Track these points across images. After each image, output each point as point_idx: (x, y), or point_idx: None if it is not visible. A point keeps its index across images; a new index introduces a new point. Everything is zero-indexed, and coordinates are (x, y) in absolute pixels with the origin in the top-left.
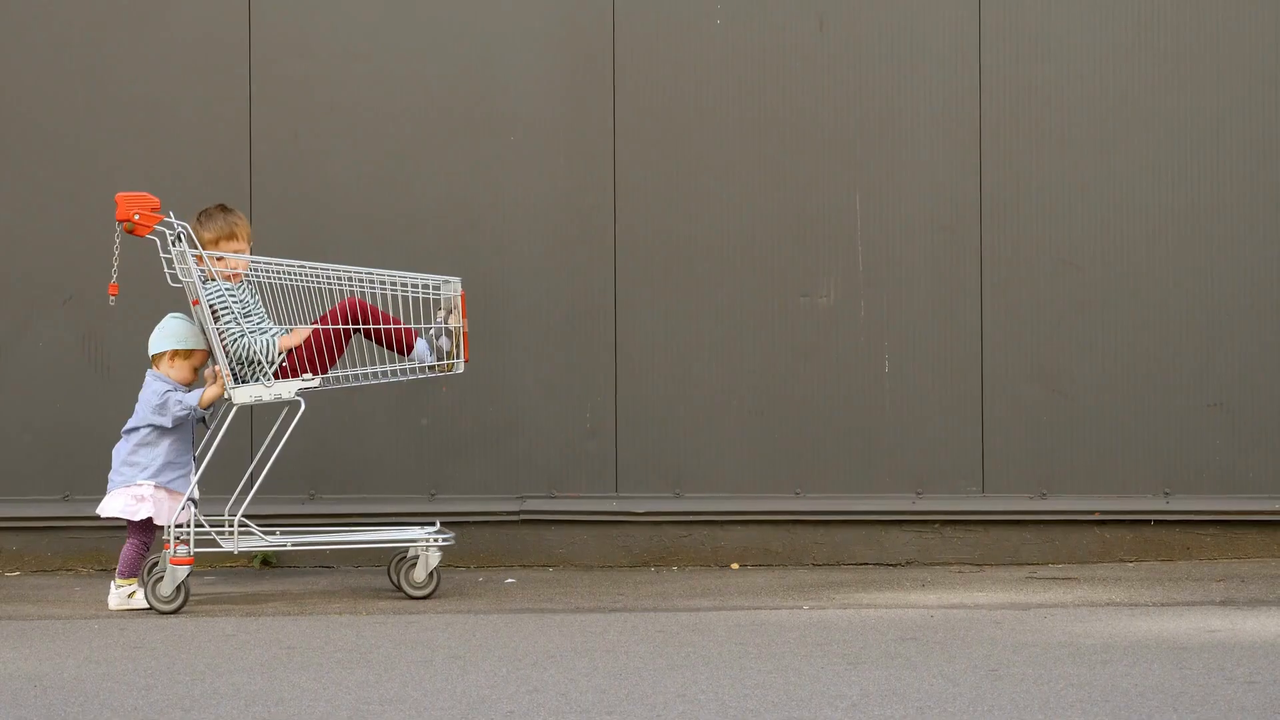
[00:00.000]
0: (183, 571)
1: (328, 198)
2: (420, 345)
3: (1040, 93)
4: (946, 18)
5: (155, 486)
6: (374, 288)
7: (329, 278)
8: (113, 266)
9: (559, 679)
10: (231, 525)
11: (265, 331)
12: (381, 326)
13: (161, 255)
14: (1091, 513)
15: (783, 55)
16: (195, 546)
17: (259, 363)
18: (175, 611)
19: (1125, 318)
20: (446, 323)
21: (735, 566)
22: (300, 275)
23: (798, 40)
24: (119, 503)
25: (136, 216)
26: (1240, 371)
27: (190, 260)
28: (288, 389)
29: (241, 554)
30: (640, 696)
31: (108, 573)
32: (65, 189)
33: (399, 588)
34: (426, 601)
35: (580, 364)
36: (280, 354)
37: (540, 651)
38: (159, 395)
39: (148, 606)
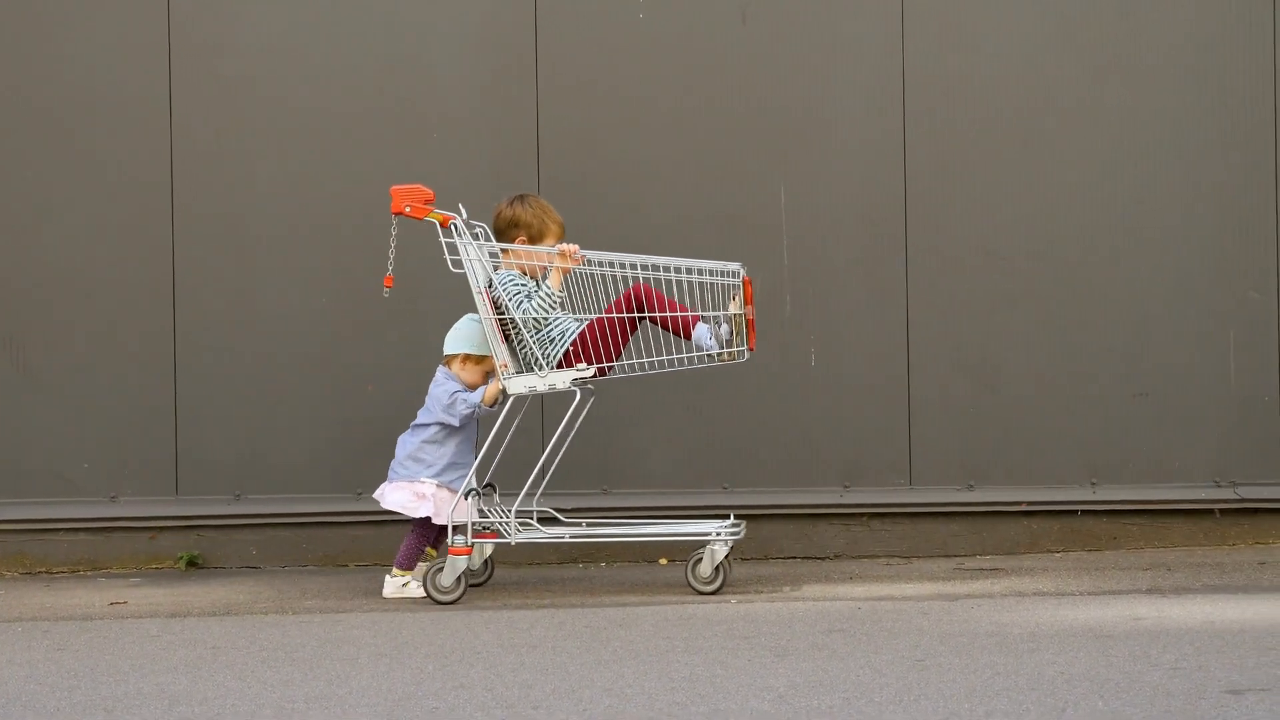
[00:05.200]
0: (462, 562)
1: (251, 197)
2: (699, 330)
3: (964, 85)
4: (869, 10)
5: (438, 486)
6: (659, 276)
7: (613, 267)
8: (389, 259)
9: (485, 675)
10: (522, 517)
11: (566, 320)
12: (660, 314)
13: (443, 241)
14: (1019, 504)
15: (706, 48)
16: (473, 538)
17: (548, 339)
18: (454, 602)
19: (1052, 309)
20: (728, 309)
21: (663, 562)
22: (585, 266)
23: (721, 33)
24: (401, 496)
25: (408, 209)
26: (1166, 362)
27: (472, 251)
28: (562, 379)
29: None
30: (567, 691)
31: (31, 575)
32: None
33: (687, 583)
34: (353, 600)
35: None
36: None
37: (467, 648)
38: (449, 395)
39: (423, 595)
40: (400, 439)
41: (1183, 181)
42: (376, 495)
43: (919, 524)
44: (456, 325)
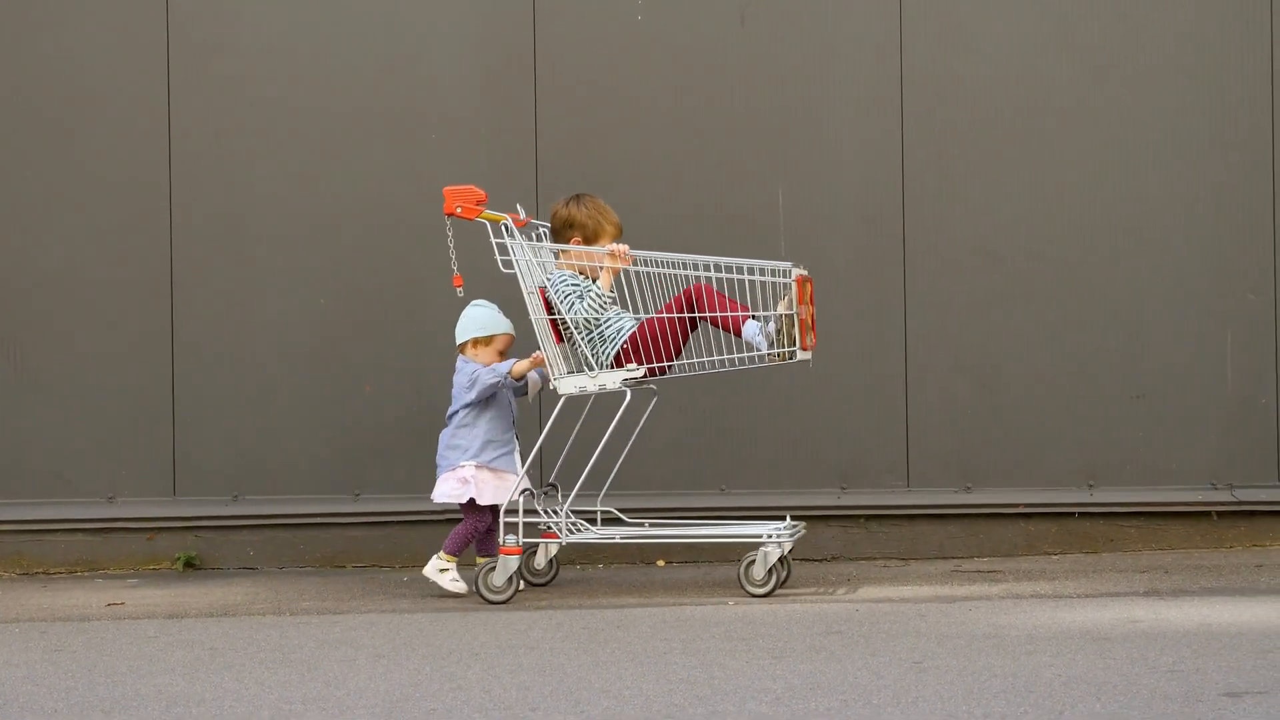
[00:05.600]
0: (514, 562)
1: (250, 197)
2: (749, 328)
3: (963, 86)
4: (867, 11)
5: (477, 466)
6: (709, 276)
7: (665, 267)
8: (451, 259)
9: (483, 676)
10: (587, 517)
11: (621, 319)
12: (709, 314)
13: (493, 241)
14: (1016, 505)
15: (704, 49)
16: (525, 536)
17: (600, 337)
18: (505, 602)
19: (1050, 310)
20: (778, 309)
21: (661, 563)
22: (641, 266)
23: (719, 34)
24: (446, 487)
25: (459, 209)
26: (1164, 363)
27: (525, 251)
28: (612, 380)
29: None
30: (565, 693)
31: (29, 576)
32: None
33: (740, 585)
34: (351, 601)
35: None
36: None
37: (465, 649)
38: (468, 376)
39: (459, 592)
40: (440, 435)
41: (1181, 182)
42: (432, 496)
43: (916, 526)
44: (464, 313)
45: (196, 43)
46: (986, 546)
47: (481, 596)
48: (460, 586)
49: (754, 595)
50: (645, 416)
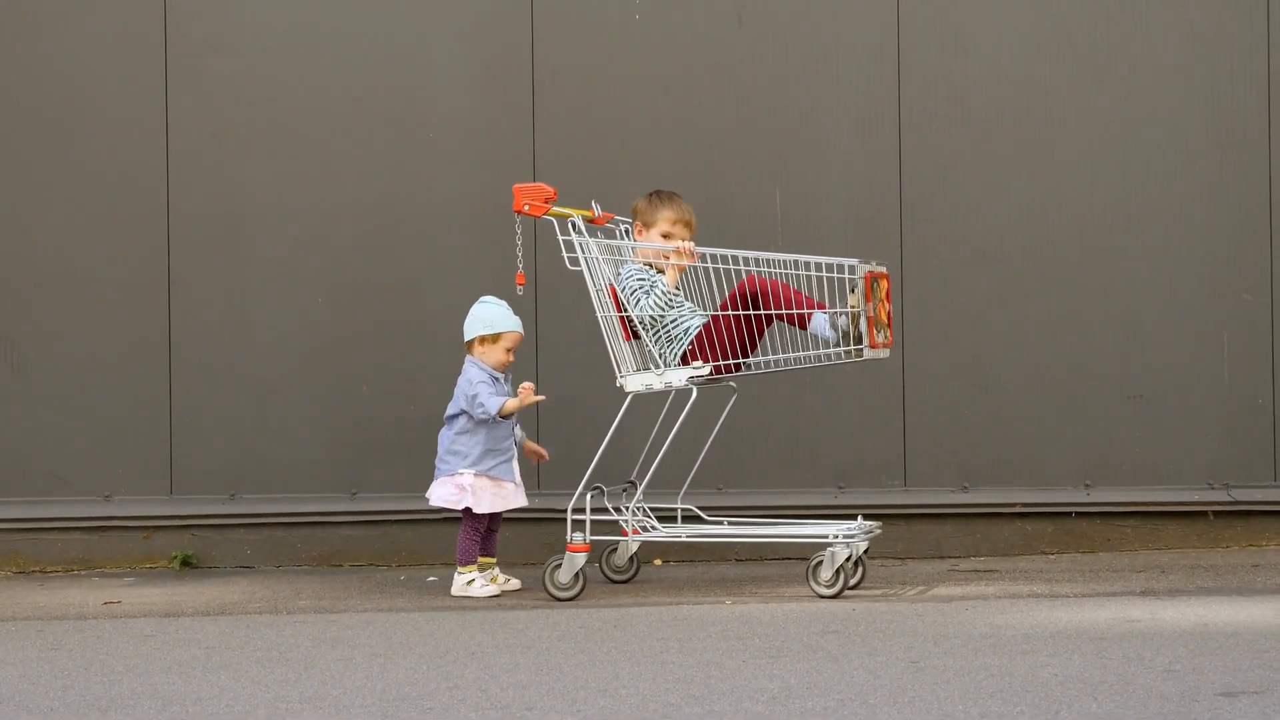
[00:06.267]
0: (580, 559)
1: (248, 197)
2: (816, 322)
3: (960, 87)
4: (865, 11)
5: (476, 475)
6: (774, 273)
7: (728, 262)
8: (517, 257)
9: (479, 675)
10: (633, 514)
11: (691, 318)
12: (770, 311)
13: (560, 238)
14: (1013, 505)
15: (702, 49)
16: (592, 534)
17: (667, 334)
18: (573, 599)
19: (1047, 311)
20: (847, 306)
21: (658, 562)
22: (706, 263)
23: (717, 34)
24: (444, 491)
25: (526, 207)
26: (1161, 363)
27: (592, 249)
28: (677, 377)
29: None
30: (561, 692)
31: (25, 575)
32: None
33: (809, 586)
34: (348, 600)
35: None
36: (675, 348)
37: (461, 648)
38: (471, 386)
39: (490, 594)
40: (439, 435)
41: (1178, 183)
42: (427, 495)
43: (913, 525)
44: (471, 310)
45: (195, 42)
46: (983, 546)
47: (548, 594)
48: (491, 589)
49: (821, 596)
50: (725, 413)
